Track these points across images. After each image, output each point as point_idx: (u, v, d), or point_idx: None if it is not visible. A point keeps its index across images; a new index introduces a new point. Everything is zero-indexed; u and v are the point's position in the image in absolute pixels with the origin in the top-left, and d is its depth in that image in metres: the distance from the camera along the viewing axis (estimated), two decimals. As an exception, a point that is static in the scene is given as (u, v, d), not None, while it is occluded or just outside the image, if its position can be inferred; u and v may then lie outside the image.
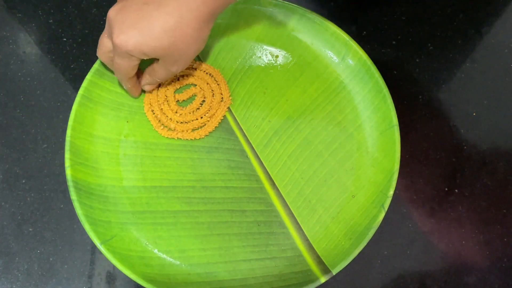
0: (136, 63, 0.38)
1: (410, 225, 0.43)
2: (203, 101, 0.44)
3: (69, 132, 0.41)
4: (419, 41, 0.50)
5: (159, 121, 0.43)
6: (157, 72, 0.40)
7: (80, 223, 0.38)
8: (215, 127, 0.43)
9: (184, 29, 0.35)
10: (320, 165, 0.42)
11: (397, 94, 0.44)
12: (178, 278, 0.38)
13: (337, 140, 0.43)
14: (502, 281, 0.41)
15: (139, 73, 0.42)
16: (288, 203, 0.41)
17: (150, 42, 0.35)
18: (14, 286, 0.41)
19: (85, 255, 0.42)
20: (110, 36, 0.36)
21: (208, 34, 0.37)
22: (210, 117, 0.43)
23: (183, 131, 0.43)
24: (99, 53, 0.40)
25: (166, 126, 0.43)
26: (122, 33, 0.35)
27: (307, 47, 0.46)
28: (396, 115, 0.42)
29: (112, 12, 0.36)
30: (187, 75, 0.45)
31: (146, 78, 0.42)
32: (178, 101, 0.44)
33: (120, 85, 0.44)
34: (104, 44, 0.38)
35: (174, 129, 0.43)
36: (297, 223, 0.41)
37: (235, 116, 0.44)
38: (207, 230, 0.40)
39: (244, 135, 0.43)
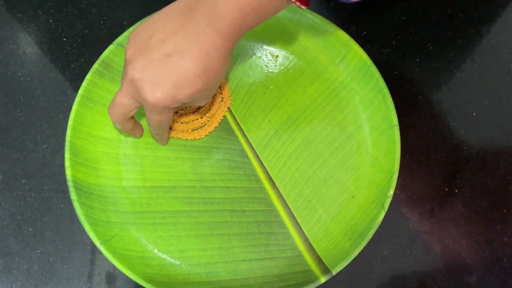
0: (173, 112, 0.38)
1: (410, 225, 0.43)
2: (203, 101, 0.44)
3: (69, 132, 0.41)
4: (419, 41, 0.50)
5: (159, 121, 0.43)
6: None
7: (80, 223, 0.38)
8: (215, 127, 0.43)
9: (214, 68, 0.35)
10: (320, 165, 0.42)
11: (397, 94, 0.44)
12: (178, 278, 0.38)
13: (337, 140, 0.43)
14: (502, 281, 0.41)
15: None
16: (288, 203, 0.41)
17: (186, 91, 0.34)
18: (14, 286, 0.41)
19: (85, 255, 0.42)
20: (138, 97, 0.35)
21: (230, 60, 0.37)
22: (210, 117, 0.43)
23: (183, 131, 0.43)
24: (115, 113, 0.37)
25: (166, 126, 0.43)
26: (157, 92, 0.34)
27: (307, 47, 0.46)
28: (396, 115, 0.42)
29: (135, 73, 0.34)
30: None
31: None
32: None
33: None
34: (124, 104, 0.36)
35: (174, 129, 0.43)
36: (297, 223, 0.41)
37: (235, 116, 0.44)
38: (207, 230, 0.40)
39: (244, 135, 0.43)
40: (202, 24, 0.34)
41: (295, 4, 0.35)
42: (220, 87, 0.44)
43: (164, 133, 0.41)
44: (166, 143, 0.43)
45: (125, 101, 0.36)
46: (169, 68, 0.34)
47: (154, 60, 0.34)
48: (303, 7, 0.36)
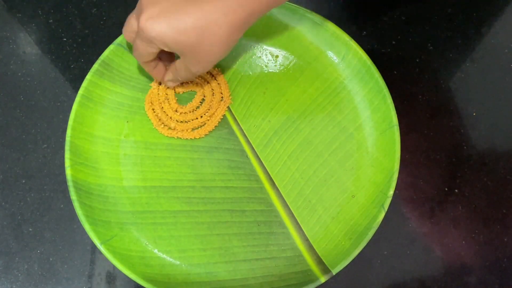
0: (154, 51, 0.37)
1: (410, 225, 0.43)
2: (203, 99, 0.44)
3: (69, 132, 0.41)
4: (419, 41, 0.50)
5: (159, 119, 0.43)
6: (179, 71, 0.39)
7: (80, 223, 0.38)
8: (215, 126, 0.43)
9: (215, 30, 0.33)
10: (320, 165, 0.42)
11: (397, 94, 0.44)
12: (178, 278, 0.38)
13: (337, 140, 0.43)
14: (502, 281, 0.41)
15: (168, 57, 0.42)
16: (288, 203, 0.41)
17: (176, 35, 0.33)
18: (14, 286, 0.41)
19: (85, 255, 0.42)
20: (138, 17, 0.35)
21: (236, 42, 0.36)
22: (210, 117, 0.43)
23: (183, 130, 0.43)
24: (124, 30, 0.39)
25: (166, 125, 0.43)
26: (151, 19, 0.33)
27: (307, 47, 0.46)
28: (396, 115, 0.42)
29: None
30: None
31: (168, 75, 0.41)
32: (177, 95, 0.44)
33: (120, 85, 0.44)
34: (130, 23, 0.37)
35: (174, 128, 0.43)
36: (297, 223, 0.41)
37: (235, 116, 0.44)
38: (207, 230, 0.40)
39: (244, 135, 0.43)
40: None
41: None
42: (220, 86, 0.44)
43: (144, 66, 0.40)
44: (159, 79, 0.43)
45: (131, 20, 0.37)
46: (176, 5, 0.33)
47: None
48: None
